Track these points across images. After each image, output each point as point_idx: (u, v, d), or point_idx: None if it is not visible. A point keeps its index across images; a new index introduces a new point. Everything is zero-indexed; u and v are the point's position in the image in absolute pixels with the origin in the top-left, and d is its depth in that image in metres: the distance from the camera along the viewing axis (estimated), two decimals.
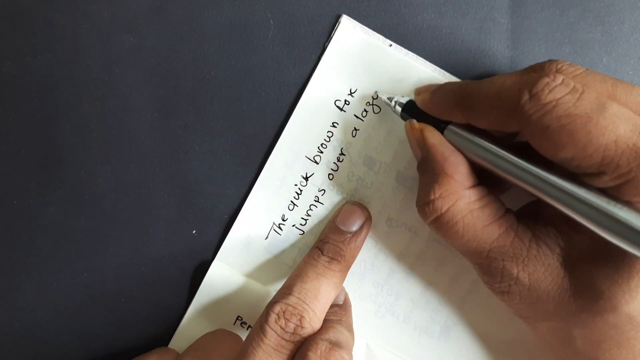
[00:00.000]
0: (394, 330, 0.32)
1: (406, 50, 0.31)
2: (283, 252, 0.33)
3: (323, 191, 0.32)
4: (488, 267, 0.25)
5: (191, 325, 0.33)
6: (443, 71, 0.31)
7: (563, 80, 0.22)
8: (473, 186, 0.26)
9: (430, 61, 0.31)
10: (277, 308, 0.27)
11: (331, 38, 0.32)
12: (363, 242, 0.31)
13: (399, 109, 0.29)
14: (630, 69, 0.31)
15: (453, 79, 0.31)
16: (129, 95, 0.33)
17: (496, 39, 0.32)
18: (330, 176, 0.32)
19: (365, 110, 0.32)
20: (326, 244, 0.30)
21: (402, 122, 0.31)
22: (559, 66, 0.24)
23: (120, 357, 0.34)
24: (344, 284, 0.33)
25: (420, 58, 0.31)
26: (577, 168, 0.22)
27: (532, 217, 0.26)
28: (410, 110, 0.29)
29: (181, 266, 0.33)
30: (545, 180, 0.23)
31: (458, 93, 0.26)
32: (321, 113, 0.32)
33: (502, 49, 0.32)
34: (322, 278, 0.29)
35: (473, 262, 0.26)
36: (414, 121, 0.28)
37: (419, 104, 0.28)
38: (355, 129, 0.32)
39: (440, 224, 0.26)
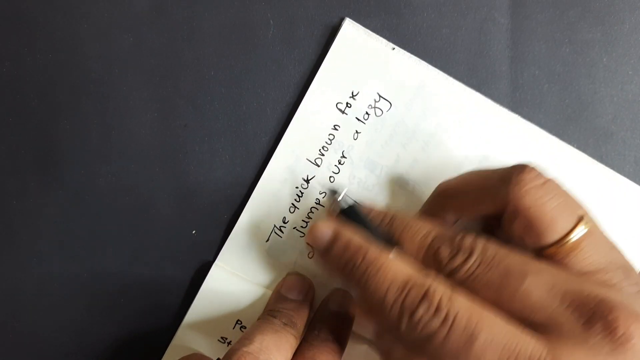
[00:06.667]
0: None
1: (409, 54, 0.31)
2: (284, 255, 0.33)
3: (324, 194, 0.32)
4: None
5: (190, 329, 0.33)
6: (446, 75, 0.31)
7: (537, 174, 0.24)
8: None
9: (430, 61, 0.31)
10: (238, 354, 0.26)
11: (333, 40, 0.32)
12: (309, 310, 0.31)
13: (337, 207, 0.29)
14: (630, 69, 0.31)
15: (455, 82, 0.31)
16: (129, 95, 0.33)
17: (496, 39, 0.32)
18: (332, 179, 0.32)
19: (367, 113, 0.32)
20: (278, 312, 0.30)
21: (404, 126, 0.31)
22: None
23: (120, 357, 0.34)
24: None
25: (423, 62, 0.31)
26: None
27: None
28: (348, 214, 0.28)
29: (181, 266, 0.33)
30: None
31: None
32: (323, 116, 0.32)
33: (502, 49, 0.32)
34: (280, 334, 0.28)
35: None
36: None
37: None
38: (356, 132, 0.32)
39: None
